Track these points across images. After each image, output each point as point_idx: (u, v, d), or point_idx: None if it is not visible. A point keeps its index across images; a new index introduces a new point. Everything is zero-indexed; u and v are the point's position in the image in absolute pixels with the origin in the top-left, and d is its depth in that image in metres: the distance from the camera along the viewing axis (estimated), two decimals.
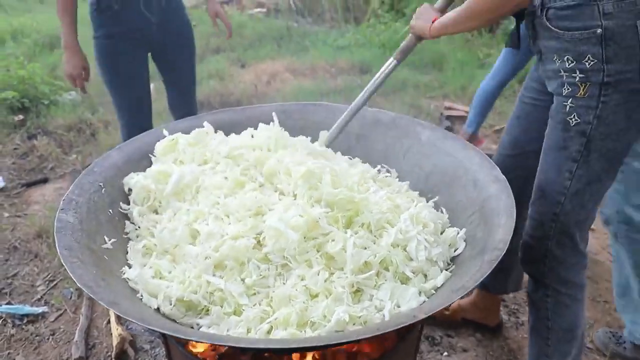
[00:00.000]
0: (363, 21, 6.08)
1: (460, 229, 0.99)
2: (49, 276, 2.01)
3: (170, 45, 1.95)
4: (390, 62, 1.31)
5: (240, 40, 5.45)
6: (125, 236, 1.05)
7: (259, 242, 0.92)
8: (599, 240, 2.25)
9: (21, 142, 3.15)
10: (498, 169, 1.04)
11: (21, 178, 2.79)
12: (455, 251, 0.96)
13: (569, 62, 1.04)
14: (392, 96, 3.83)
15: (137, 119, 1.94)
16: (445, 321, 1.70)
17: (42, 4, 6.89)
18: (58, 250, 0.88)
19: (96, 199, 1.00)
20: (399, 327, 0.72)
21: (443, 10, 1.30)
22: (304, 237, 0.88)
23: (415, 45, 1.32)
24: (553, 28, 1.05)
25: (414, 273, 0.89)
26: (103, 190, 1.03)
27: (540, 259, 1.21)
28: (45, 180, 2.76)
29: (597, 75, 1.01)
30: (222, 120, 1.34)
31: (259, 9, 6.88)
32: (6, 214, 2.43)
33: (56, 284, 1.96)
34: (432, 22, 1.23)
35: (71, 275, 0.83)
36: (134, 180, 1.08)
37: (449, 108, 3.53)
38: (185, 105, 2.13)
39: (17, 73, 3.61)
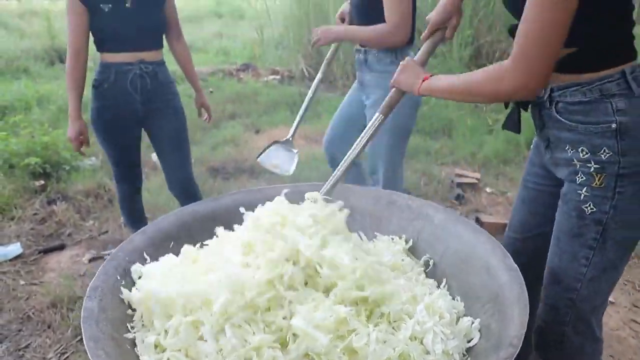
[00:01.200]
0: None
1: (475, 318, 1.00)
2: (60, 348, 2.00)
3: (157, 121, 2.22)
4: (377, 116, 1.32)
5: (255, 106, 5.65)
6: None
7: (282, 342, 0.92)
8: (620, 315, 2.20)
9: (40, 208, 3.23)
10: (510, 257, 1.05)
11: (38, 244, 2.84)
12: (470, 342, 0.96)
13: (584, 153, 1.06)
14: (404, 163, 3.90)
15: (126, 180, 2.33)
16: None
17: None
18: (84, 341, 0.88)
19: (120, 286, 1.02)
20: None
21: (424, 64, 1.34)
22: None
23: (400, 100, 1.32)
24: (565, 121, 1.09)
25: None
26: (126, 276, 1.06)
27: (557, 345, 1.19)
28: (62, 247, 2.80)
29: (613, 167, 1.04)
30: (240, 201, 1.38)
31: (273, 76, 7.17)
32: (22, 282, 2.46)
33: (67, 357, 1.95)
34: (423, 80, 1.22)
35: None
36: (133, 296, 1.05)
37: (460, 175, 3.57)
38: (180, 181, 2.34)
39: (41, 139, 3.76)
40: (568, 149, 1.09)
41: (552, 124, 1.13)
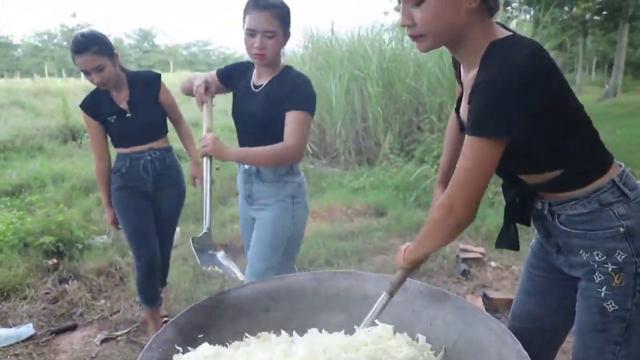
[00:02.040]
0: (376, 163, 6.53)
1: None
2: None
3: (163, 198, 2.59)
4: (384, 296, 1.34)
5: None
6: None
7: None
8: None
9: (52, 287, 3.28)
10: (520, 344, 1.12)
11: (50, 325, 2.86)
12: None
13: (599, 256, 1.12)
14: (408, 237, 4.00)
15: (142, 256, 2.52)
16: None
17: (81, 148, 7.55)
18: None
19: None
20: None
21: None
22: None
23: (405, 279, 1.36)
24: (571, 230, 1.15)
25: None
26: None
27: None
28: (74, 327, 2.82)
29: (631, 267, 1.10)
30: (260, 291, 1.47)
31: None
32: None
33: None
34: (403, 253, 1.33)
35: None
36: None
37: (465, 250, 3.65)
38: (162, 254, 2.68)
39: (56, 218, 3.88)
40: (582, 253, 1.15)
41: (558, 233, 1.20)
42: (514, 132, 1.03)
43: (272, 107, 1.87)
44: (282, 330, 1.37)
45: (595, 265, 1.13)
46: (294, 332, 1.36)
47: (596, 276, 1.13)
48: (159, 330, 1.25)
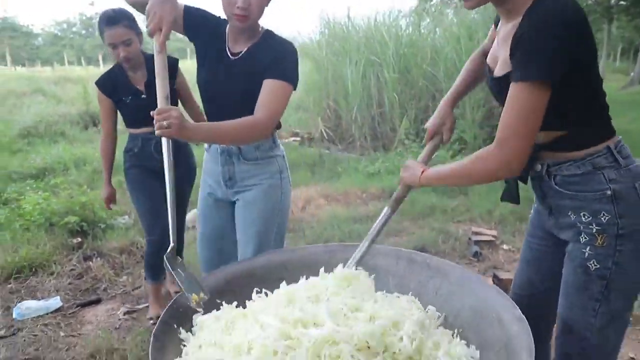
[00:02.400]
0: (391, 148, 6.55)
1: None
2: None
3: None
4: (386, 211, 1.43)
5: None
6: None
7: None
8: None
9: (77, 264, 3.42)
10: (518, 308, 1.18)
11: (76, 298, 3.00)
12: None
13: (586, 217, 1.20)
14: (421, 221, 4.05)
15: (154, 232, 2.56)
16: None
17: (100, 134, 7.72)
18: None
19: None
20: None
21: (426, 162, 1.49)
22: None
23: (407, 195, 1.46)
24: (565, 191, 1.23)
25: None
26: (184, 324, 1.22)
27: None
28: (98, 301, 2.96)
29: (613, 228, 1.17)
30: (275, 261, 1.55)
31: (293, 138, 7.51)
32: (62, 334, 2.61)
33: None
34: (422, 173, 1.35)
35: None
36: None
37: (477, 233, 3.69)
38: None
39: (79, 199, 4.03)
40: (570, 214, 1.23)
41: (552, 194, 1.27)
42: (557, 76, 1.09)
43: (254, 79, 1.64)
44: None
45: (582, 227, 1.21)
46: None
47: (581, 237, 1.21)
48: (180, 293, 1.33)
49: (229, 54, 1.69)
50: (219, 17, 1.74)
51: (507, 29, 1.20)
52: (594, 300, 1.22)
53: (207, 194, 1.92)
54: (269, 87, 1.61)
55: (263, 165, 1.78)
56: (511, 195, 1.38)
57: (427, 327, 1.21)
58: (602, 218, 1.18)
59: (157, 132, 1.44)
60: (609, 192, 1.17)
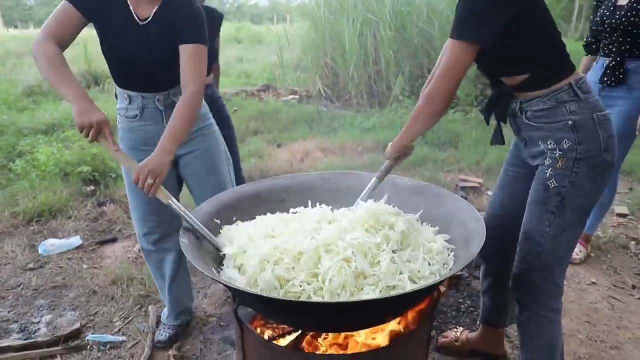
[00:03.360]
0: (386, 105, 6.74)
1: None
2: (124, 314, 2.41)
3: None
4: (374, 180, 1.64)
5: (276, 123, 6.13)
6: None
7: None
8: (600, 292, 2.53)
9: (92, 209, 3.69)
10: (477, 212, 1.44)
11: (94, 237, 3.28)
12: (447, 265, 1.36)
13: (551, 144, 1.42)
14: (412, 170, 4.30)
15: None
16: (456, 352, 2.00)
17: (104, 93, 7.86)
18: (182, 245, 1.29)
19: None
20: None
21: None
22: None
23: (393, 167, 1.64)
24: (534, 124, 1.45)
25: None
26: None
27: (526, 287, 1.55)
28: (114, 240, 3.24)
29: (572, 153, 1.39)
30: (277, 185, 1.81)
31: (292, 96, 7.67)
32: (85, 266, 2.90)
33: (131, 319, 2.36)
34: (393, 145, 1.57)
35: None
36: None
37: (464, 180, 3.95)
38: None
39: (90, 151, 4.26)
40: (540, 143, 1.46)
41: (525, 127, 1.49)
42: (483, 40, 1.32)
43: (168, 44, 1.64)
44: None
45: (548, 153, 1.43)
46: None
47: (546, 160, 1.44)
48: (199, 206, 1.59)
49: (137, 19, 1.65)
50: None
51: None
52: (550, 213, 1.46)
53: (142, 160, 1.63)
54: (189, 53, 1.62)
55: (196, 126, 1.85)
56: (497, 139, 1.62)
57: (413, 223, 1.48)
58: (564, 144, 1.40)
59: (150, 195, 1.48)
60: (570, 122, 1.38)
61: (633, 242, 3.07)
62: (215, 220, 1.58)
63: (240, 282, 1.28)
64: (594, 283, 2.61)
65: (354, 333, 1.45)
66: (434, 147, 4.95)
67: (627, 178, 4.27)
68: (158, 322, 2.28)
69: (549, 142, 1.43)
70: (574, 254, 2.73)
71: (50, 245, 3.09)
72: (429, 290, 1.35)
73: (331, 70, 7.59)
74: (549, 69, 1.41)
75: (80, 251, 3.09)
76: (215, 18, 2.58)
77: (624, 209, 3.53)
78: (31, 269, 2.88)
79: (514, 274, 1.59)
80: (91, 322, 2.37)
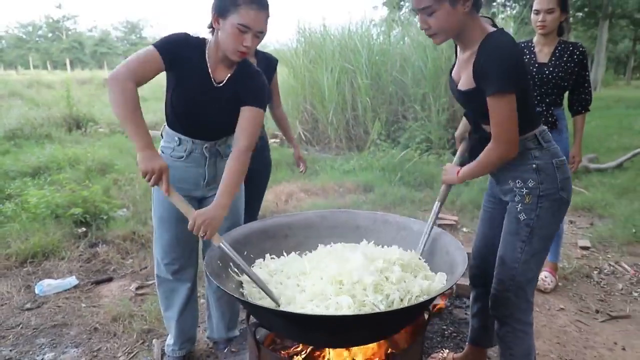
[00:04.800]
0: (364, 149, 7.08)
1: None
2: (127, 349, 2.51)
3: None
4: (437, 205, 1.87)
5: None
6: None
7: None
8: (568, 317, 2.78)
9: (84, 250, 3.78)
10: (460, 243, 1.69)
11: (89, 278, 3.37)
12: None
13: (519, 183, 1.69)
14: (393, 210, 4.56)
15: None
16: None
17: (86, 136, 7.99)
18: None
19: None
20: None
21: (458, 164, 1.85)
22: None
23: (449, 190, 1.89)
24: (505, 165, 1.68)
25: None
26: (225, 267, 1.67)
27: (503, 305, 1.78)
28: (110, 279, 3.34)
29: (536, 191, 1.67)
30: (281, 222, 2.02)
31: (273, 140, 7.94)
32: (83, 305, 2.99)
33: (135, 354, 2.47)
34: (457, 173, 1.76)
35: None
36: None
37: (441, 218, 4.23)
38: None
39: (81, 193, 4.37)
40: (509, 181, 1.72)
41: (498, 168, 1.74)
42: (516, 86, 1.53)
43: (236, 104, 1.86)
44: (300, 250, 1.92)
45: (517, 190, 1.70)
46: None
47: (516, 197, 1.71)
48: (213, 246, 1.78)
49: (213, 82, 1.85)
50: (190, 36, 1.84)
51: (465, 55, 1.66)
52: (521, 242, 1.71)
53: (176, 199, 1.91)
54: (249, 115, 1.84)
55: None
56: None
57: (407, 261, 1.71)
58: (529, 183, 1.67)
59: (206, 238, 1.68)
60: (534, 166, 1.66)
61: (595, 272, 3.37)
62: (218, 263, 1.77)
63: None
64: (562, 309, 2.87)
65: (356, 351, 1.65)
66: (411, 187, 5.26)
67: (588, 214, 4.65)
68: (162, 356, 2.39)
69: (517, 181, 1.70)
70: (545, 284, 3.03)
71: (47, 285, 3.16)
72: (427, 305, 1.57)
73: (311, 115, 7.95)
74: (523, 121, 1.64)
75: (77, 291, 3.17)
76: (271, 62, 2.75)
77: (586, 242, 3.86)
78: (29, 309, 2.95)
79: (493, 294, 1.82)
80: (95, 357, 2.46)
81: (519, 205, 1.70)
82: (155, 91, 18.05)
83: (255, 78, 1.90)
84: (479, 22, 1.61)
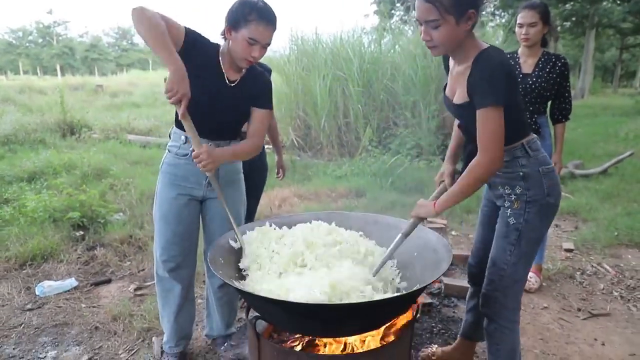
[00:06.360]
0: (356, 155, 7.22)
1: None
2: (128, 347, 2.60)
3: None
4: (400, 237, 1.79)
5: None
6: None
7: None
8: (551, 315, 2.91)
9: (82, 253, 3.86)
10: (446, 241, 1.81)
11: (88, 279, 3.45)
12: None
13: (508, 189, 1.80)
14: (384, 214, 4.68)
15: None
16: None
17: (80, 142, 8.04)
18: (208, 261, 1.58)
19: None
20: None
21: (435, 199, 1.81)
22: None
23: (417, 225, 1.82)
24: (497, 173, 1.76)
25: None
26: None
27: (492, 303, 1.89)
28: (109, 281, 3.42)
29: (524, 196, 1.77)
30: (279, 223, 2.13)
31: (267, 146, 8.03)
32: (84, 305, 3.07)
33: (136, 351, 2.55)
34: (434, 205, 1.74)
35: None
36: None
37: (430, 222, 4.35)
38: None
39: (78, 198, 4.45)
40: (499, 187, 1.84)
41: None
42: (506, 100, 1.60)
43: (246, 104, 2.03)
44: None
45: (506, 197, 1.82)
46: None
47: (506, 202, 1.82)
48: (215, 241, 1.89)
49: (227, 81, 1.99)
50: (209, 41, 2.00)
51: (460, 68, 1.76)
52: (511, 245, 1.82)
53: (178, 194, 2.12)
54: (259, 116, 2.04)
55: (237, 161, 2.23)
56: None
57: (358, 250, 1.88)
58: (518, 190, 1.78)
59: (201, 170, 1.86)
60: (521, 173, 1.77)
61: (578, 273, 3.51)
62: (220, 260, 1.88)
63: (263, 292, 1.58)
64: (546, 307, 3.00)
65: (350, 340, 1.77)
66: (402, 192, 5.39)
67: (573, 218, 4.81)
68: (162, 353, 2.48)
69: (506, 187, 1.81)
70: (530, 284, 3.15)
71: (47, 286, 3.24)
72: (417, 294, 1.68)
73: (303, 122, 8.08)
74: (512, 132, 1.73)
75: (76, 292, 3.25)
76: (268, 72, 2.88)
77: (570, 245, 4.01)
78: (30, 309, 3.03)
79: (483, 293, 1.93)
80: (97, 355, 2.55)
81: (509, 210, 1.81)
82: (147, 97, 18.16)
83: (265, 80, 2.09)
84: (475, 38, 1.73)
